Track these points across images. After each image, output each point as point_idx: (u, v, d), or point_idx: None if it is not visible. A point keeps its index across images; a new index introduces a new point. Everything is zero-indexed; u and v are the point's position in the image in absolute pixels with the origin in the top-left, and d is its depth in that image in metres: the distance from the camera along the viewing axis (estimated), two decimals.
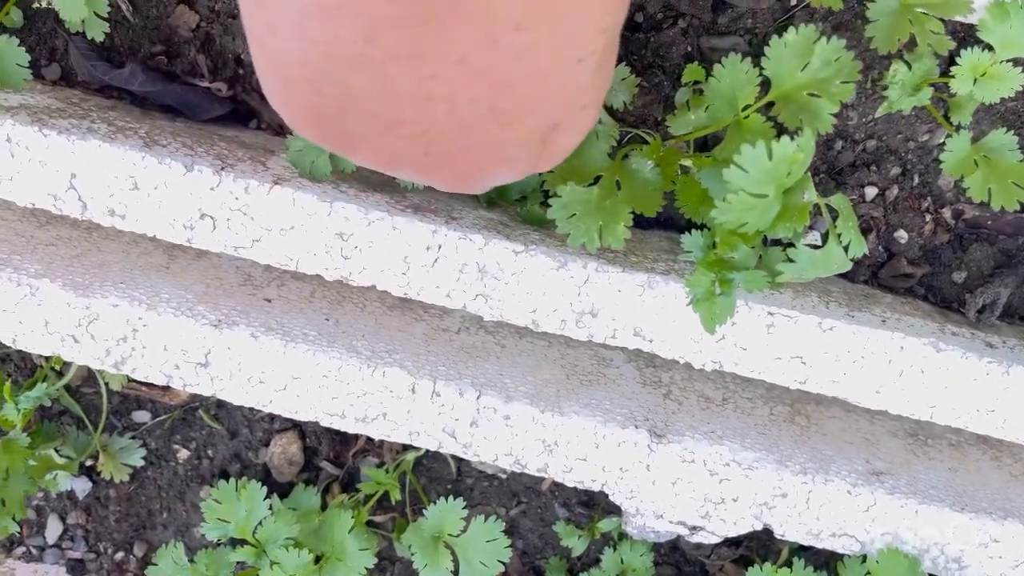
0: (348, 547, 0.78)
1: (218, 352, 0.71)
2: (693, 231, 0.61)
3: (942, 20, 0.61)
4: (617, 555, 0.88)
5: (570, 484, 0.73)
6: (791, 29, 0.56)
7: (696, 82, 0.65)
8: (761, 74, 0.58)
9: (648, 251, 0.71)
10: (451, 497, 0.78)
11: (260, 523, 0.78)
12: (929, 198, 0.74)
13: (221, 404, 0.95)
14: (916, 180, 0.73)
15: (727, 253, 0.59)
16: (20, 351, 0.90)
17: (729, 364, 0.69)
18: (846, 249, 0.57)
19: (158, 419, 0.96)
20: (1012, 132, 0.65)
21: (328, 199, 0.66)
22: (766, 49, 0.58)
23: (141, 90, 0.76)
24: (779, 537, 0.73)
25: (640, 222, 0.75)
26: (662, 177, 0.63)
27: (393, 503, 0.93)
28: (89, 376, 0.95)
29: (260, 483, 0.79)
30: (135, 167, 0.66)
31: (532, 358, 0.76)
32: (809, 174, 0.55)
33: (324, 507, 0.89)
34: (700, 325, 0.62)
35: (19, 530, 0.99)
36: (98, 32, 0.71)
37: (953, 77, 0.62)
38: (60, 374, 0.93)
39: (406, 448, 0.92)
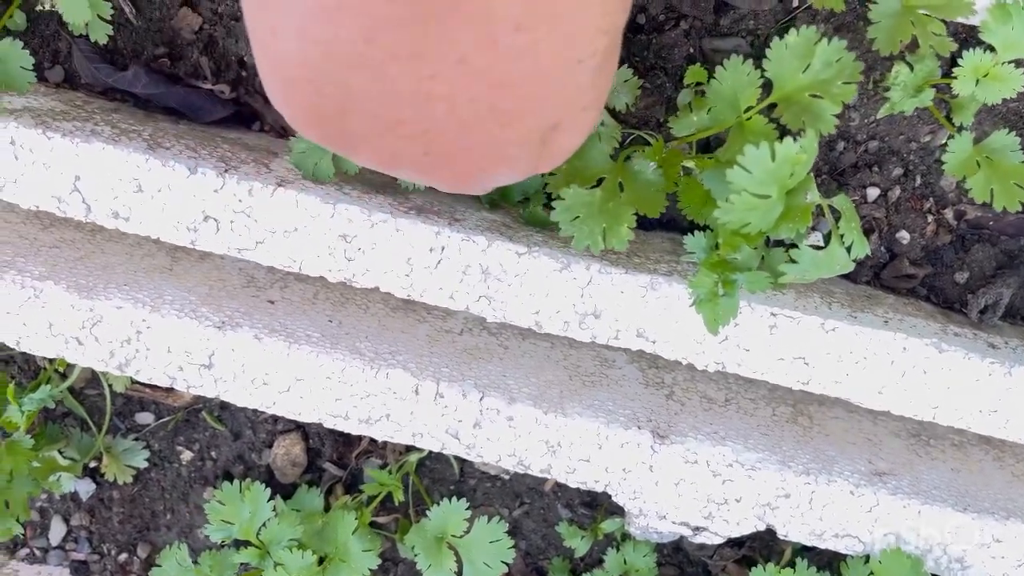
0: (351, 548, 0.78)
1: (222, 354, 0.71)
2: (696, 232, 0.62)
3: (944, 21, 0.61)
4: (620, 556, 0.88)
5: (573, 485, 0.73)
6: (793, 31, 0.56)
7: (698, 84, 0.65)
8: (763, 75, 0.58)
9: (651, 252, 0.71)
10: (454, 498, 0.78)
11: (264, 524, 0.78)
12: (931, 199, 0.74)
13: (225, 406, 0.95)
14: (918, 181, 0.73)
15: (730, 254, 0.59)
16: (24, 353, 0.90)
17: (732, 365, 0.69)
18: (848, 250, 0.57)
19: (162, 421, 0.96)
20: (1014, 133, 0.65)
21: (331, 201, 0.66)
22: (768, 51, 0.58)
23: (144, 92, 0.76)
24: (782, 538, 0.73)
25: (643, 223, 0.75)
26: (665, 178, 0.63)
27: (396, 504, 0.93)
28: (93, 378, 0.95)
29: (264, 484, 0.79)
30: (139, 169, 0.66)
31: (535, 359, 0.76)
32: (812, 175, 0.55)
33: (327, 508, 0.89)
34: (703, 326, 0.62)
35: (23, 532, 0.99)
36: (101, 35, 0.72)
37: (955, 78, 0.62)
38: (64, 376, 0.93)
39: (409, 449, 0.92)
